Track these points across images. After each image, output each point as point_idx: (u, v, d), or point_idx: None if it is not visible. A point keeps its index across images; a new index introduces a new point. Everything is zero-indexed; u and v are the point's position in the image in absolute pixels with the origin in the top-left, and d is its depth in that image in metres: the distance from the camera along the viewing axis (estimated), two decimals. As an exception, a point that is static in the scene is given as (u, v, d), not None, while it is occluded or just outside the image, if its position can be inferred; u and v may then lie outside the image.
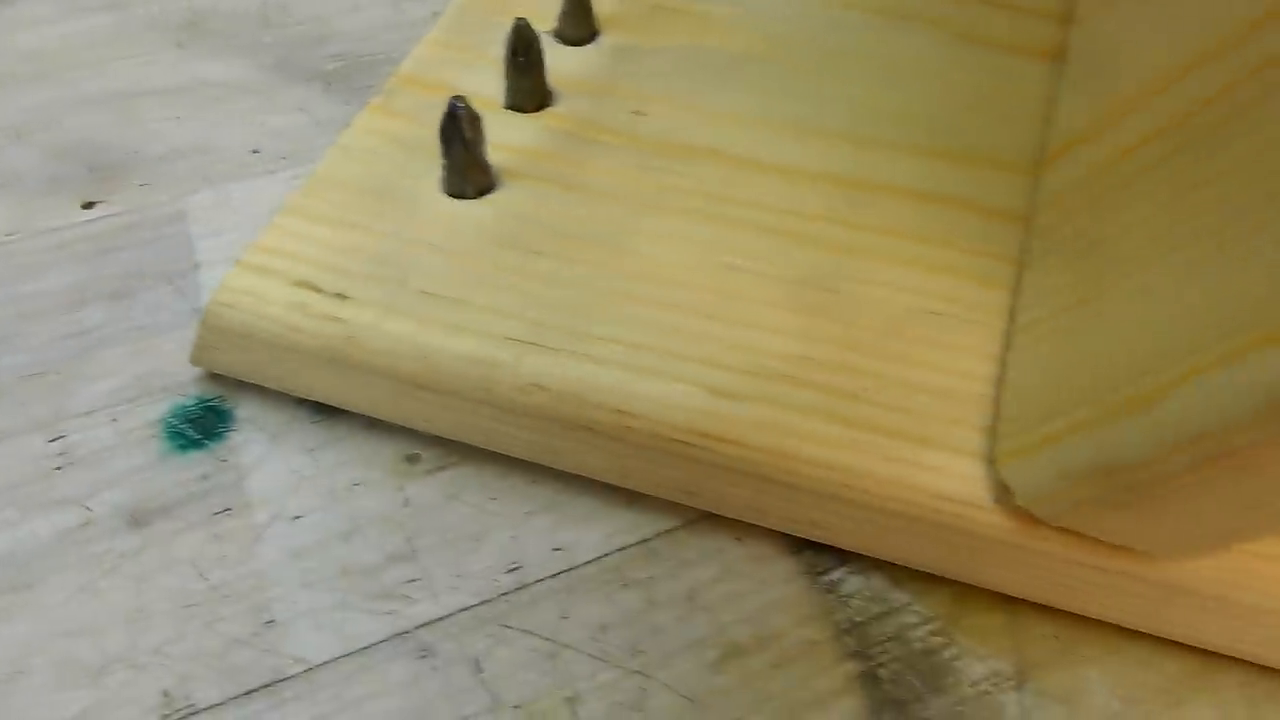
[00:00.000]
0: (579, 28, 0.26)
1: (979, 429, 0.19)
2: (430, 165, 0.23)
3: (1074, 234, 0.20)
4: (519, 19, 0.24)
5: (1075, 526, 0.17)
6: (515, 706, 0.20)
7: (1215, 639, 0.19)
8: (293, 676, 0.20)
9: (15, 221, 0.27)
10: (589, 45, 0.27)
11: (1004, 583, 0.20)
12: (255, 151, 0.30)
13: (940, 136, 0.24)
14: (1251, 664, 0.20)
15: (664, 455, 0.20)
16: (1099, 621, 0.20)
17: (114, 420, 0.23)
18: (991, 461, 0.19)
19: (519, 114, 0.25)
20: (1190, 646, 0.20)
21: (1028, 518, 0.18)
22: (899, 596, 0.21)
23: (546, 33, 0.27)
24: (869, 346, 0.20)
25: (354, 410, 0.23)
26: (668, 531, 0.22)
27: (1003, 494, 0.18)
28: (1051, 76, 0.26)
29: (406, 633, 0.21)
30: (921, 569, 0.21)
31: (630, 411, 0.20)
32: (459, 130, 0.22)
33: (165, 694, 0.19)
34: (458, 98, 0.22)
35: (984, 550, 0.19)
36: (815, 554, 0.22)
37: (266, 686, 0.20)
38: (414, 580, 0.21)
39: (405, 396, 0.21)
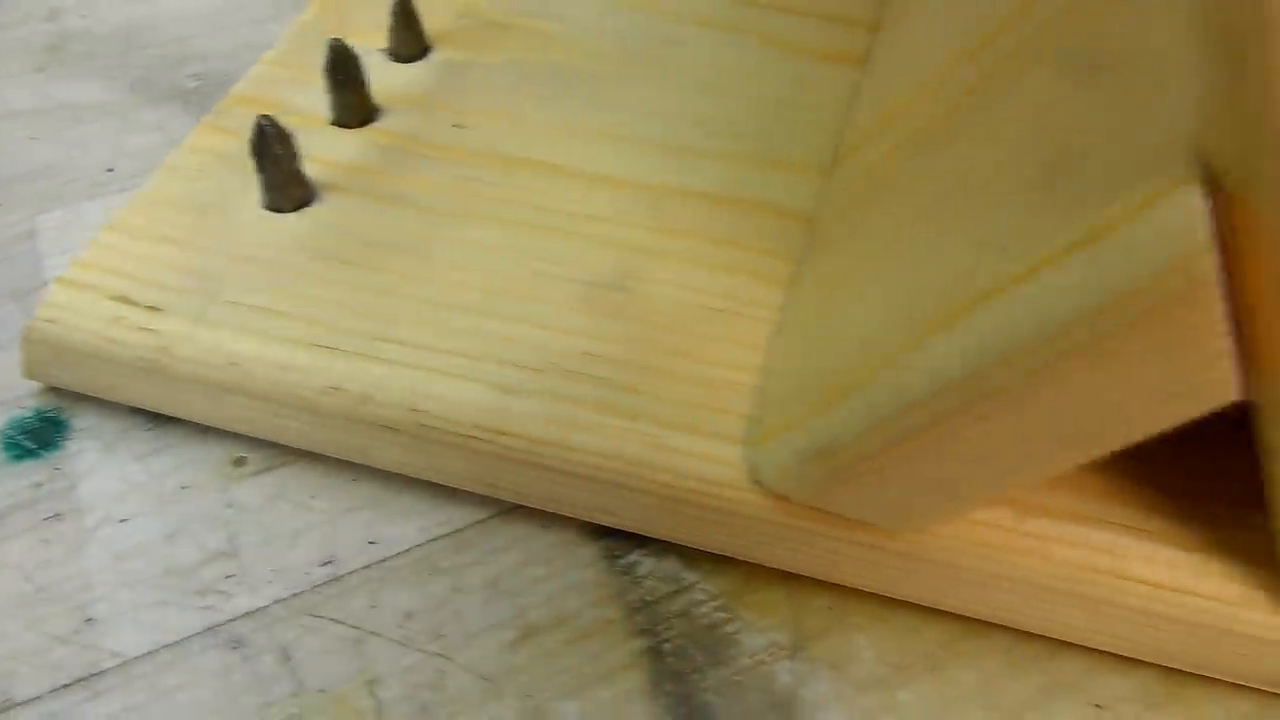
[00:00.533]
0: (408, 45, 0.28)
1: (743, 417, 0.20)
2: (252, 181, 0.24)
3: (840, 232, 0.22)
4: (334, 39, 0.25)
5: (817, 504, 0.19)
6: (319, 690, 0.21)
7: (959, 605, 0.20)
8: (109, 670, 0.21)
9: None
10: (420, 62, 0.28)
11: (772, 559, 0.21)
12: (110, 170, 0.31)
13: (742, 141, 0.26)
14: (1015, 629, 0.21)
15: (459, 451, 0.21)
16: (871, 593, 0.22)
17: (-51, 433, 0.24)
18: (748, 446, 0.20)
19: (344, 129, 0.26)
20: (953, 614, 0.21)
21: (781, 498, 0.19)
22: (689, 576, 0.23)
23: (380, 51, 0.28)
24: (651, 343, 0.22)
25: (180, 417, 0.24)
26: (479, 522, 0.24)
27: (758, 476, 0.20)
28: (856, 82, 0.27)
29: (221, 625, 0.22)
30: (704, 549, 0.22)
31: (423, 410, 0.21)
32: (268, 147, 0.23)
33: (-21, 689, 0.20)
34: (264, 116, 0.23)
35: (748, 529, 0.20)
36: (615, 539, 0.23)
37: (83, 680, 0.21)
38: (231, 576, 0.22)
39: (221, 403, 0.22)
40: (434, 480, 0.23)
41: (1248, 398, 0.14)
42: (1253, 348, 0.14)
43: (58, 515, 0.23)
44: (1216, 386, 0.14)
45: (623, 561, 0.23)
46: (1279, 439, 0.15)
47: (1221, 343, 0.13)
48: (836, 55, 0.28)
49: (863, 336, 0.18)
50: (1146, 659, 0.20)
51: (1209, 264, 0.13)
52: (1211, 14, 0.11)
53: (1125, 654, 0.20)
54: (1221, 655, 0.19)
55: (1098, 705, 0.21)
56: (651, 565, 0.23)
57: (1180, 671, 0.21)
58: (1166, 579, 0.19)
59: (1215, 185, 0.12)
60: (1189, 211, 0.12)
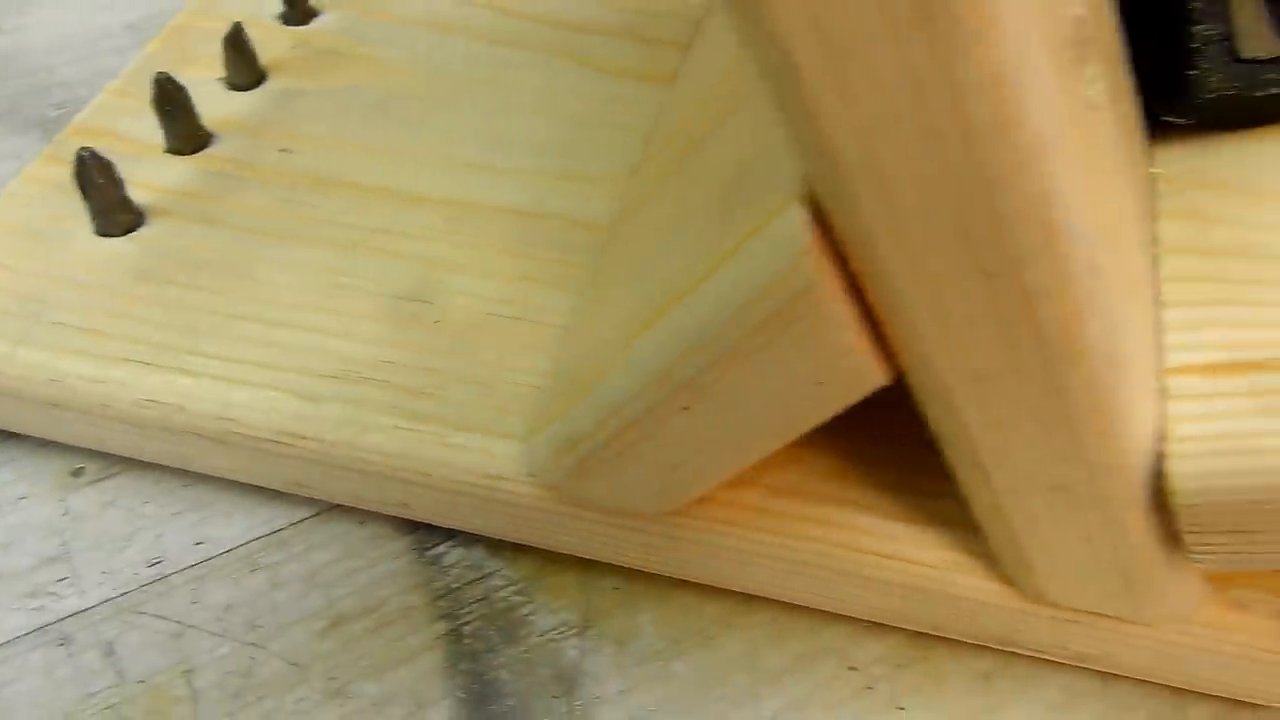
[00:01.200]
0: (242, 75, 0.29)
1: (524, 416, 0.22)
2: (79, 209, 0.26)
3: (611, 241, 0.24)
4: (160, 73, 0.27)
5: (576, 493, 0.21)
6: (139, 681, 0.23)
7: (726, 581, 0.22)
8: (-60, 668, 0.23)
9: None
10: (255, 90, 0.30)
11: (560, 545, 0.23)
12: None
13: (545, 158, 0.28)
14: (782, 602, 0.23)
15: (266, 455, 0.23)
16: (656, 574, 0.24)
17: None
18: (525, 443, 0.22)
19: (177, 156, 0.28)
20: (731, 591, 0.23)
21: (552, 488, 0.21)
22: (492, 564, 0.25)
23: (218, 80, 0.30)
24: (446, 350, 0.24)
25: (17, 431, 0.25)
26: (299, 521, 0.25)
27: (531, 470, 0.21)
28: (662, 100, 0.29)
29: (50, 625, 0.23)
30: (502, 539, 0.24)
31: (230, 418, 0.23)
32: (90, 176, 0.25)
33: None
34: (85, 148, 0.25)
35: (530, 519, 0.22)
36: (426, 533, 0.25)
37: (-85, 678, 0.22)
38: (63, 579, 0.24)
39: (51, 418, 0.24)
40: (252, 483, 0.25)
41: (891, 383, 0.16)
42: (883, 340, 0.16)
43: None
44: (856, 375, 0.16)
45: (431, 553, 0.25)
46: (941, 422, 0.17)
47: (846, 336, 0.15)
48: (648, 75, 0.30)
49: (604, 338, 0.20)
50: (891, 624, 0.22)
51: (812, 267, 0.15)
52: (762, 60, 0.13)
53: (871, 619, 0.22)
54: (948, 617, 0.21)
55: (852, 667, 0.23)
56: (458, 555, 0.25)
57: (928, 635, 0.23)
58: (891, 550, 0.21)
59: (816, 205, 0.14)
60: (794, 225, 0.15)
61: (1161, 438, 0.16)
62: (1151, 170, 0.20)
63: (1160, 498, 0.17)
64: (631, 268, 0.21)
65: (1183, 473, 0.16)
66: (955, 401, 0.16)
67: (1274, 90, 0.19)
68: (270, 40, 0.31)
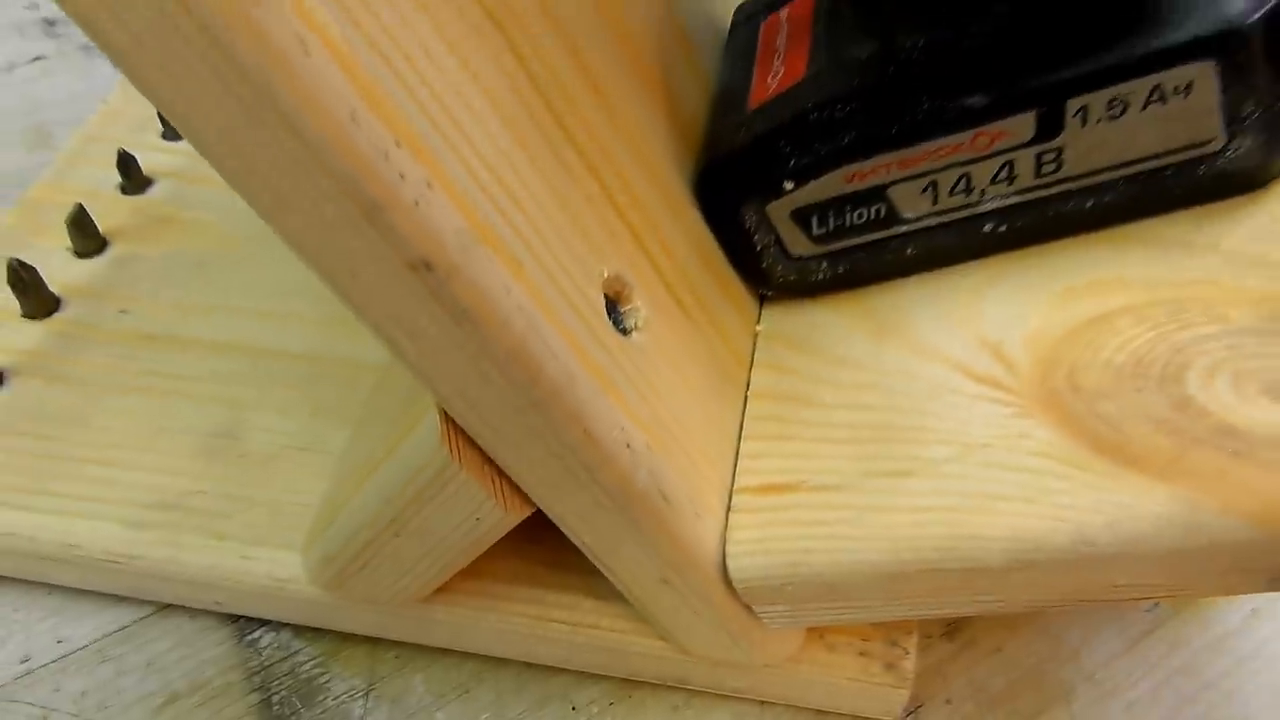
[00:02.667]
0: (85, 245, 0.36)
1: (302, 531, 0.29)
2: None
3: (381, 384, 0.31)
4: (11, 259, 0.33)
5: (340, 592, 0.28)
6: (10, 758, 0.29)
7: (475, 647, 0.29)
8: None
9: None
10: (99, 256, 0.36)
11: (346, 627, 0.30)
12: None
13: (335, 306, 0.34)
14: (523, 662, 0.30)
15: (106, 571, 0.30)
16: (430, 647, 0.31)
17: None
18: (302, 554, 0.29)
19: (32, 320, 0.34)
20: (481, 654, 0.30)
21: (337, 584, 0.28)
22: (297, 644, 0.31)
23: (66, 249, 0.36)
24: (246, 479, 0.30)
25: None
26: (142, 619, 0.32)
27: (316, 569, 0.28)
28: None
29: (-65, 717, 0.30)
30: (300, 624, 0.30)
31: (73, 544, 0.29)
32: None
33: None
34: None
35: (315, 610, 0.29)
36: (245, 621, 0.32)
37: None
38: (-54, 679, 0.30)
39: None
40: (100, 590, 0.31)
41: (529, 515, 0.23)
42: (506, 493, 0.23)
43: None
44: (500, 513, 0.23)
45: (249, 638, 0.31)
46: (573, 539, 0.24)
47: (482, 491, 0.22)
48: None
49: (347, 477, 0.27)
50: (600, 673, 0.29)
51: (447, 452, 0.22)
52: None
53: (584, 670, 0.29)
54: (636, 667, 0.28)
55: (574, 708, 0.30)
56: (270, 638, 0.31)
57: (630, 679, 0.30)
58: (585, 620, 0.28)
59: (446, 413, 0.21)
60: (433, 426, 0.22)
61: (723, 538, 0.24)
62: (756, 328, 0.28)
63: (728, 581, 0.24)
64: (380, 416, 0.28)
65: (737, 566, 0.24)
66: (571, 529, 0.23)
67: (821, 276, 0.26)
68: (111, 210, 0.37)
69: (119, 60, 0.15)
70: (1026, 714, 0.28)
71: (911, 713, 0.28)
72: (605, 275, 0.21)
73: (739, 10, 0.30)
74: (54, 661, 0.31)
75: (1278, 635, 0.30)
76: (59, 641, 0.31)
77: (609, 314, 0.22)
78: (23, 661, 0.31)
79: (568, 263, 0.20)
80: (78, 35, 0.52)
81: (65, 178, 0.38)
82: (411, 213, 0.17)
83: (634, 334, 0.22)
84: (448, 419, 0.21)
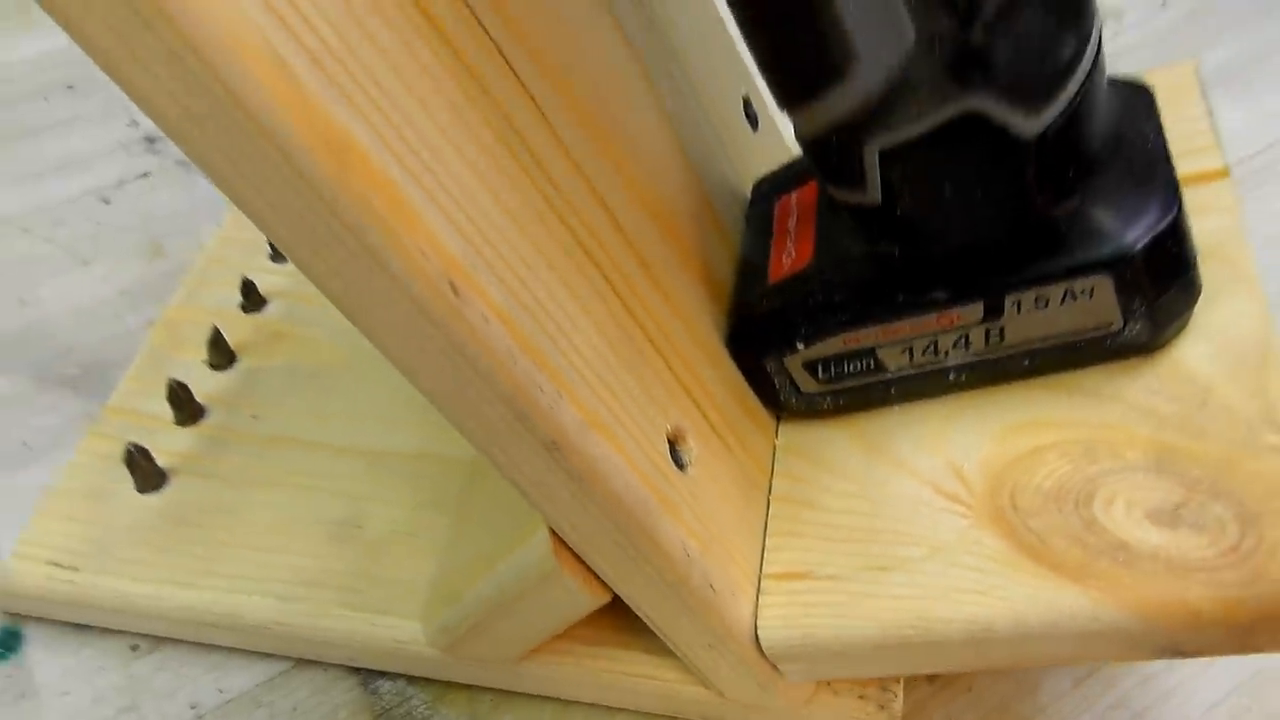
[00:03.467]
0: (220, 359, 0.44)
1: (419, 604, 0.37)
2: (125, 477, 0.40)
3: (476, 478, 0.39)
4: (170, 379, 0.41)
5: (456, 653, 0.36)
6: (192, 785, 0.37)
7: (563, 694, 0.37)
8: (65, 789, 0.37)
9: None
10: (230, 369, 0.44)
11: (454, 678, 0.38)
12: (25, 445, 0.46)
13: (430, 411, 0.42)
14: (593, 705, 0.38)
15: (264, 635, 0.38)
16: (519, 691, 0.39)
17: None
18: (422, 623, 0.37)
19: (183, 428, 0.42)
20: (558, 699, 0.38)
21: (441, 649, 0.36)
22: (412, 691, 0.39)
23: (204, 362, 0.44)
24: (371, 560, 0.38)
25: (92, 625, 0.40)
26: (285, 671, 0.40)
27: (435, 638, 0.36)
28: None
29: (130, 754, 0.38)
30: (414, 675, 0.38)
31: (235, 614, 0.37)
32: (134, 460, 0.39)
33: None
34: (132, 443, 0.39)
35: (430, 666, 0.37)
36: (368, 674, 0.40)
37: (50, 796, 0.36)
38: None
39: (118, 616, 0.38)
40: (255, 650, 0.39)
41: (600, 605, 0.31)
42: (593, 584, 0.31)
43: (23, 694, 0.39)
44: (587, 598, 0.31)
45: (371, 686, 0.39)
46: (639, 614, 0.32)
47: (577, 584, 0.30)
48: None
49: (462, 567, 0.35)
50: (653, 712, 0.37)
51: (554, 559, 0.30)
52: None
53: (641, 710, 0.37)
54: (680, 707, 0.36)
55: (633, 739, 0.38)
56: (389, 686, 0.39)
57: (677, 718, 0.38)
58: (648, 673, 0.36)
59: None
60: (544, 541, 0.30)
61: (754, 616, 0.32)
62: (775, 441, 0.36)
63: (759, 648, 0.32)
64: (481, 513, 0.36)
65: (766, 637, 0.31)
66: (638, 607, 0.31)
67: (825, 406, 0.34)
68: (236, 327, 0.45)
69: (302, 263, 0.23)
70: None
71: None
72: (669, 428, 0.29)
73: (756, 187, 0.38)
74: (217, 708, 0.39)
75: (1193, 675, 0.38)
76: (220, 691, 0.39)
77: (671, 454, 0.30)
78: (192, 708, 0.39)
79: (644, 424, 0.28)
80: (175, 150, 0.60)
81: (195, 299, 0.46)
82: (548, 414, 0.25)
83: (689, 468, 0.30)
84: (555, 535, 0.29)
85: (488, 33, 0.25)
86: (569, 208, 0.27)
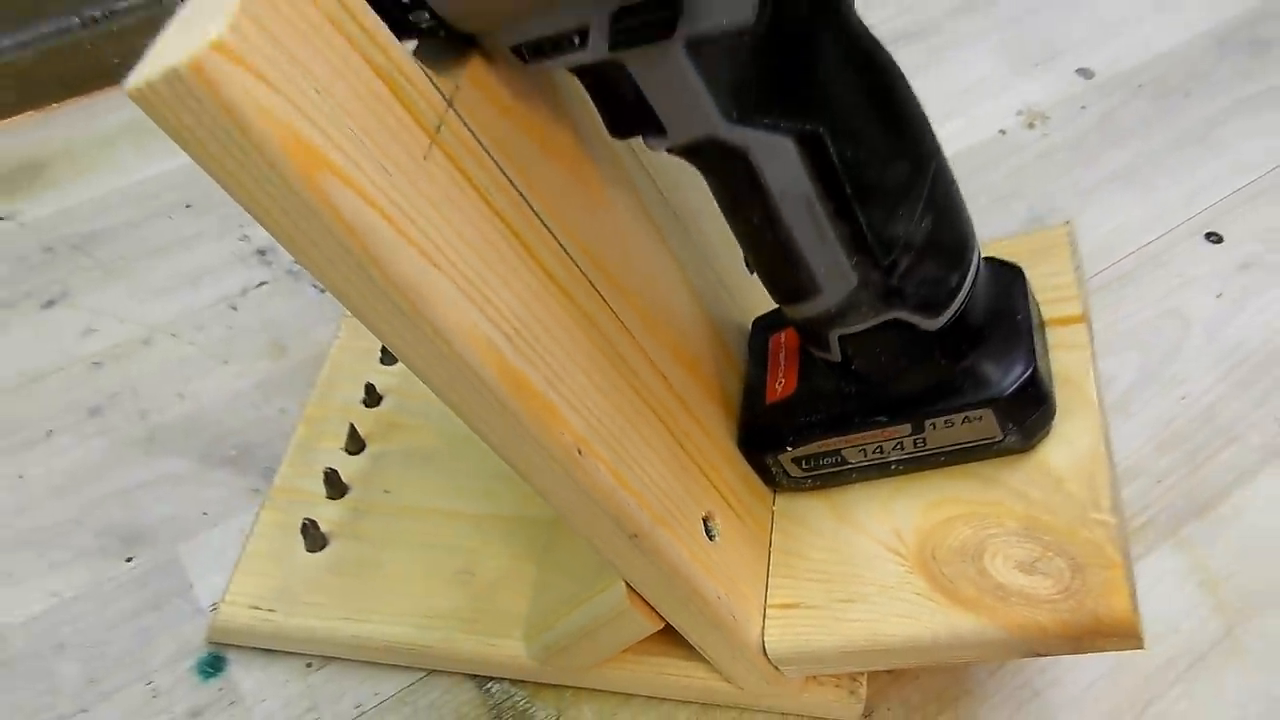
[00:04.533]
0: (354, 446, 0.59)
1: (521, 629, 0.52)
2: (298, 540, 0.55)
3: (555, 534, 0.54)
4: (326, 468, 0.56)
5: (552, 664, 0.51)
6: (364, 763, 0.52)
7: (618, 688, 0.52)
8: (275, 768, 0.52)
9: (82, 576, 0.58)
10: (362, 454, 0.59)
11: (544, 679, 0.53)
12: (205, 514, 0.61)
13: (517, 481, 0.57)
14: (661, 698, 0.53)
15: (405, 654, 0.53)
16: (593, 688, 0.54)
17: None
18: (525, 642, 0.52)
19: (333, 501, 0.57)
20: (624, 693, 0.54)
21: (540, 662, 0.51)
22: (514, 690, 0.54)
23: (341, 449, 0.59)
24: (483, 597, 0.53)
25: (293, 651, 0.55)
26: (420, 679, 0.55)
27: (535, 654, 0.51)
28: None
29: (317, 742, 0.53)
30: (517, 679, 0.54)
31: (386, 640, 0.52)
32: (307, 530, 0.54)
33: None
34: (306, 518, 0.54)
35: (531, 671, 0.52)
36: (482, 679, 0.55)
37: (266, 774, 0.52)
38: (317, 720, 0.53)
39: (296, 644, 0.53)
40: (398, 664, 0.54)
41: (655, 630, 0.47)
42: (652, 616, 0.46)
43: (233, 702, 0.54)
44: (649, 625, 0.46)
45: (485, 687, 0.54)
46: (683, 634, 0.47)
47: (642, 617, 0.46)
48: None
49: (549, 608, 0.50)
50: (690, 700, 0.53)
51: (629, 603, 0.45)
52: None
53: (681, 698, 0.53)
54: (708, 696, 0.52)
55: (677, 721, 0.53)
56: (499, 687, 0.54)
57: (708, 703, 0.53)
58: (689, 673, 0.51)
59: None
60: (621, 591, 0.45)
61: (762, 634, 0.47)
62: (772, 508, 0.51)
63: (766, 655, 0.47)
64: (563, 563, 0.51)
65: (770, 649, 0.47)
66: (682, 630, 0.46)
67: (808, 485, 0.50)
68: (362, 420, 0.60)
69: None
70: (931, 715, 0.52)
71: (867, 716, 0.52)
72: (703, 513, 0.45)
73: (755, 323, 0.53)
74: (375, 708, 0.54)
75: (1073, 665, 0.53)
76: (376, 694, 0.54)
77: (705, 530, 0.45)
78: (356, 708, 0.54)
79: (689, 514, 0.43)
80: (285, 260, 0.75)
81: (326, 399, 0.61)
82: (632, 518, 0.40)
83: (717, 538, 0.45)
84: (628, 586, 0.45)
85: (589, 279, 0.40)
86: (640, 383, 0.42)
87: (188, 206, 0.77)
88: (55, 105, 0.82)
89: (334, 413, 0.60)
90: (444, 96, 0.33)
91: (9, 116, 0.83)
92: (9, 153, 0.82)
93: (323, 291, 0.71)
